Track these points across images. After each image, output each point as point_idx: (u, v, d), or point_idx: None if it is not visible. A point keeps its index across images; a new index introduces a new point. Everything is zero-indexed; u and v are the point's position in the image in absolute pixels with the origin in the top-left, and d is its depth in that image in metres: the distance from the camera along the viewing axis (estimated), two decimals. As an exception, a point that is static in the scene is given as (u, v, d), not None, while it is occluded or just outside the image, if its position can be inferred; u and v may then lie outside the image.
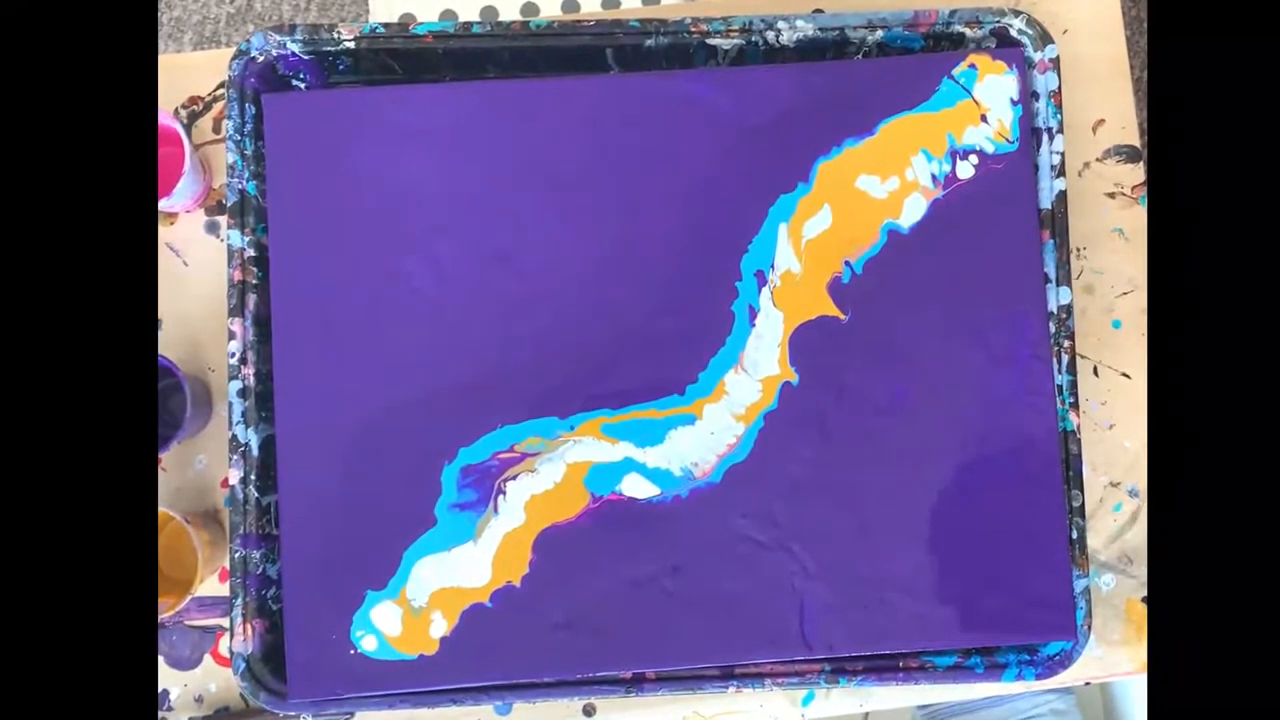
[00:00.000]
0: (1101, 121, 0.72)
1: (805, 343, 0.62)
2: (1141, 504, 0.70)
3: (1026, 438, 0.62)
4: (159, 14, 1.28)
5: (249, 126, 0.63)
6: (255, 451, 0.62)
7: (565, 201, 0.63)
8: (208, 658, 0.68)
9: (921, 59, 0.65)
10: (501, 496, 0.61)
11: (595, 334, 0.62)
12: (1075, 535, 0.62)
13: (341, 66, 0.66)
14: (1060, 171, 0.64)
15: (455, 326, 0.62)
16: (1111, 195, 0.72)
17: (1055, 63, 0.64)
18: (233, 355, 0.62)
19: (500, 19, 0.69)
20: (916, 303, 0.63)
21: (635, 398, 0.62)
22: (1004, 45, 0.65)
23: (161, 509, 0.63)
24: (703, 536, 0.61)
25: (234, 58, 0.63)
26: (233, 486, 0.61)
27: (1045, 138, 0.64)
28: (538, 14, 0.94)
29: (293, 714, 0.62)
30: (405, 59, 0.65)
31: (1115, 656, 0.69)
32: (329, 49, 0.64)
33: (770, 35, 0.64)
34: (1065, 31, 0.72)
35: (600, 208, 0.63)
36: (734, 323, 0.62)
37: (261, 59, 0.63)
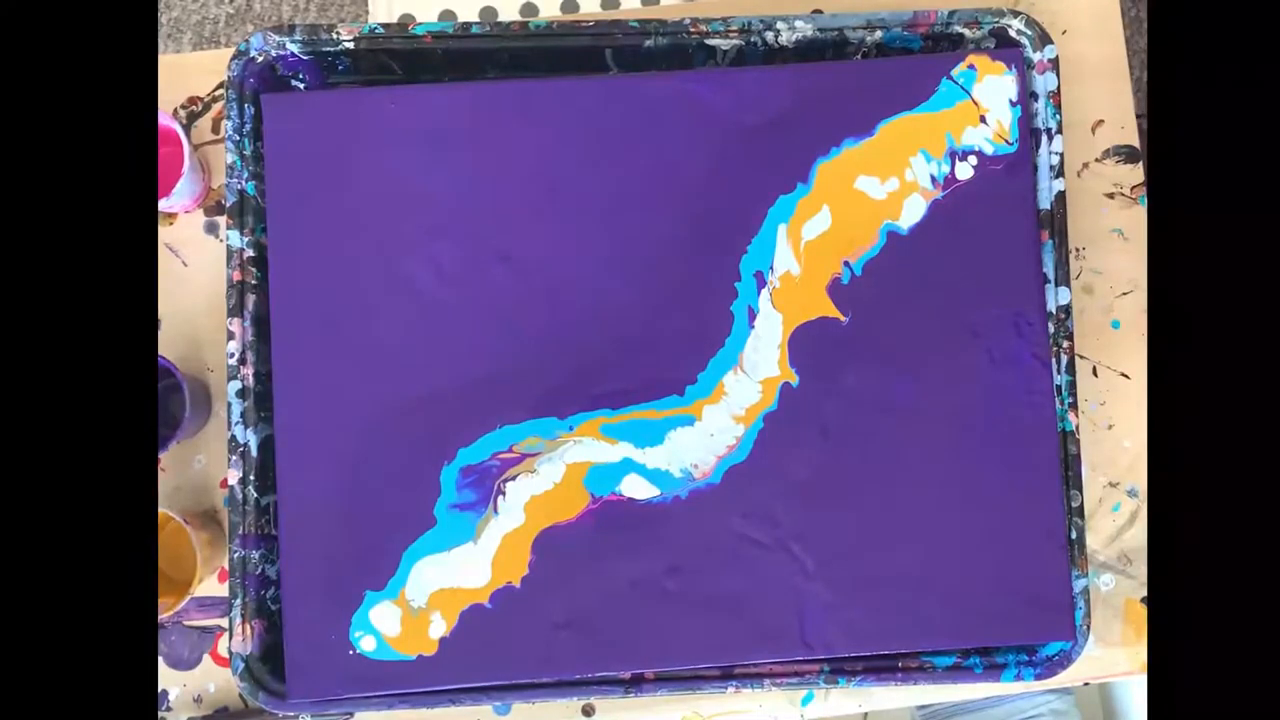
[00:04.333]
0: (1101, 122, 0.72)
1: (805, 344, 0.62)
2: (1140, 504, 0.70)
3: (1025, 438, 0.62)
4: (158, 14, 1.28)
5: (248, 127, 0.63)
6: (254, 452, 0.62)
7: (564, 202, 0.63)
8: (207, 658, 0.68)
9: (920, 59, 0.65)
10: (501, 497, 0.61)
11: (594, 334, 0.62)
12: (1074, 535, 0.62)
13: (341, 67, 0.66)
14: (1059, 172, 0.64)
15: (454, 326, 0.62)
16: (1111, 195, 0.72)
17: (1054, 63, 0.64)
18: (232, 355, 0.62)
19: (499, 19, 0.69)
20: (916, 304, 0.63)
21: (634, 398, 0.62)
22: (1003, 46, 0.65)
23: (161, 509, 0.63)
24: (702, 537, 0.61)
25: (233, 58, 0.63)
26: (232, 487, 0.61)
27: (1044, 138, 0.64)
28: (537, 14, 0.94)
29: (291, 714, 0.62)
30: (404, 59, 0.65)
31: (1114, 656, 0.69)
32: (328, 49, 0.64)
33: (769, 36, 0.64)
34: (1064, 32, 0.72)
35: (599, 208, 0.63)
36: (733, 323, 0.62)
37: (261, 59, 0.63)
